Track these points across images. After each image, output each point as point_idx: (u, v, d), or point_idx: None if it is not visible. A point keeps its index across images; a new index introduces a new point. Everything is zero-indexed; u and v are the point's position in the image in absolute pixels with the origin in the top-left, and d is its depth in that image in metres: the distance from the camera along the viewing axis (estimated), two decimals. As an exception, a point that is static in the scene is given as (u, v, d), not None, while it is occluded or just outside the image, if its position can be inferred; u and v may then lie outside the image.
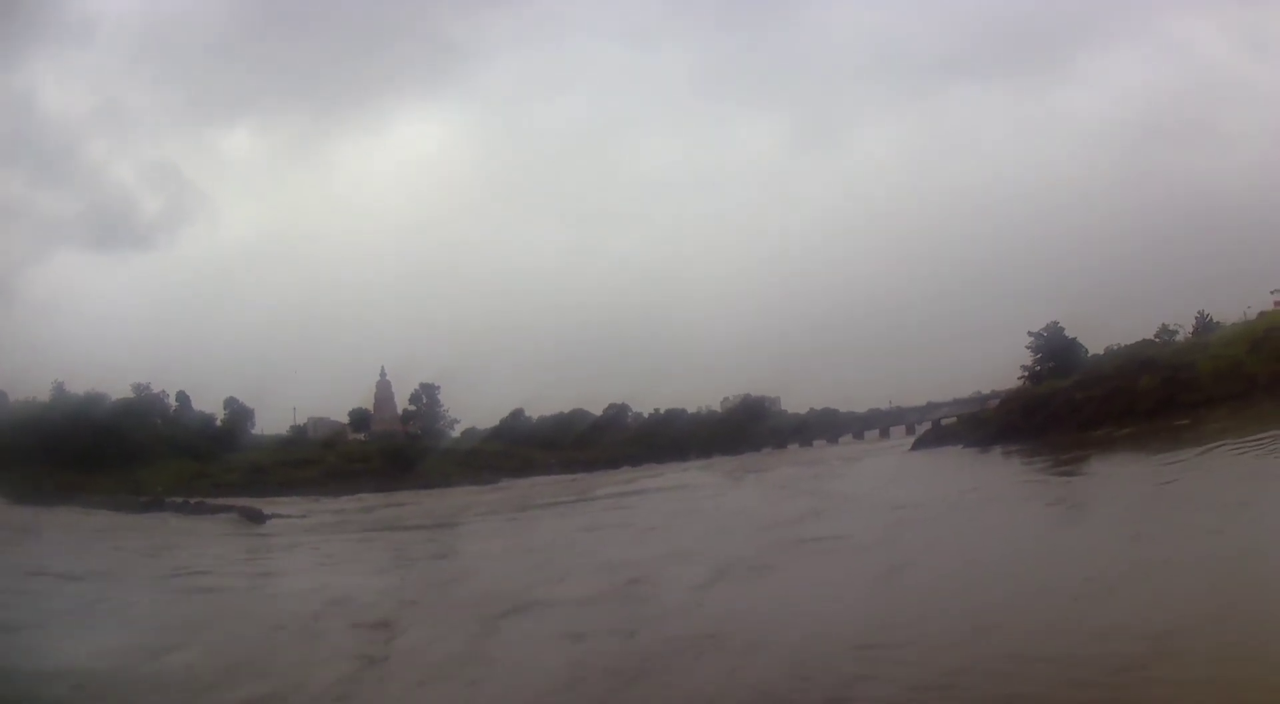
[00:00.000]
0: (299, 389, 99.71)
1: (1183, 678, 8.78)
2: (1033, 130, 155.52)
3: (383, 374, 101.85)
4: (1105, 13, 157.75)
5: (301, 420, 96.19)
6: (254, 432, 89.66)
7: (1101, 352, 65.51)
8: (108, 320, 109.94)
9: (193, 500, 53.46)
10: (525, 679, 12.14)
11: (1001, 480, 33.41)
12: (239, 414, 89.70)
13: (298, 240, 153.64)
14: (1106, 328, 69.04)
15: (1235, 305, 60.44)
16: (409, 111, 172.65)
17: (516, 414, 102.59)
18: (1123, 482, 26.93)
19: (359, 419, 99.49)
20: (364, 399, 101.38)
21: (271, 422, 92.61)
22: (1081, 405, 46.72)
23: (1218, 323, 60.41)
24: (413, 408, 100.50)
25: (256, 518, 46.31)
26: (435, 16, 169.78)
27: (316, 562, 28.95)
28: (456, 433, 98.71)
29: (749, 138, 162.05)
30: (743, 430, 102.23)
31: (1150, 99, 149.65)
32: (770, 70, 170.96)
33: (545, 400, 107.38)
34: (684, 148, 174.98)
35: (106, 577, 24.06)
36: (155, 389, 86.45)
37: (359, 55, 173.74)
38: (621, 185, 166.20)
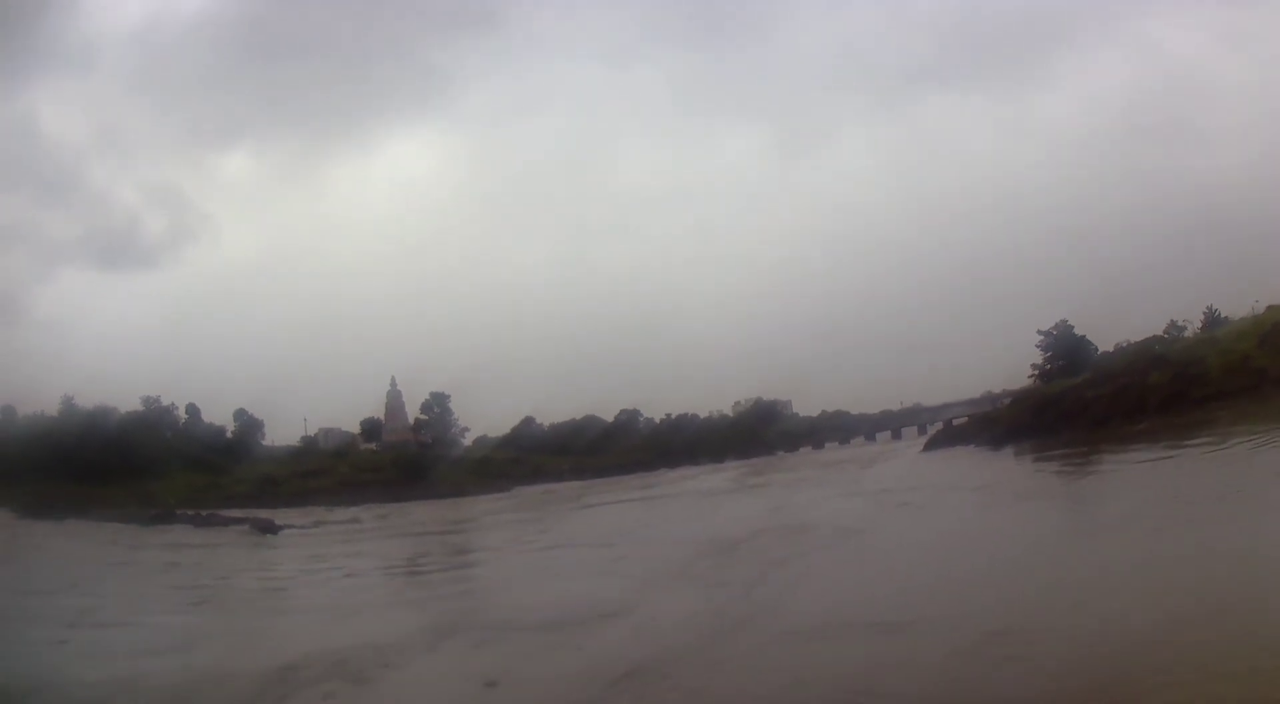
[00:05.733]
0: (309, 400, 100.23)
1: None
2: (1018, 134, 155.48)
3: (393, 384, 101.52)
4: (1075, 16, 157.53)
5: (312, 431, 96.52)
6: (264, 443, 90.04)
7: (1111, 348, 65.27)
8: (116, 336, 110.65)
9: (205, 512, 53.47)
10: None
11: (1011, 479, 33.20)
12: (249, 425, 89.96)
13: (299, 257, 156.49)
14: (1116, 325, 68.92)
15: (1245, 299, 59.85)
16: (397, 134, 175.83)
17: (527, 422, 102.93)
18: (1134, 478, 26.68)
19: (370, 429, 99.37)
20: (375, 409, 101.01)
21: (282, 433, 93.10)
22: (1092, 403, 46.36)
23: (1226, 317, 59.84)
24: (424, 417, 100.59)
25: (269, 529, 46.20)
26: (419, 43, 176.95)
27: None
28: (468, 441, 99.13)
29: (732, 149, 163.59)
30: (754, 434, 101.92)
31: (1130, 99, 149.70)
32: (747, 84, 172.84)
33: (556, 408, 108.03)
34: (668, 161, 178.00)
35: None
36: (165, 402, 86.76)
37: (347, 81, 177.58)
38: (607, 199, 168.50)
